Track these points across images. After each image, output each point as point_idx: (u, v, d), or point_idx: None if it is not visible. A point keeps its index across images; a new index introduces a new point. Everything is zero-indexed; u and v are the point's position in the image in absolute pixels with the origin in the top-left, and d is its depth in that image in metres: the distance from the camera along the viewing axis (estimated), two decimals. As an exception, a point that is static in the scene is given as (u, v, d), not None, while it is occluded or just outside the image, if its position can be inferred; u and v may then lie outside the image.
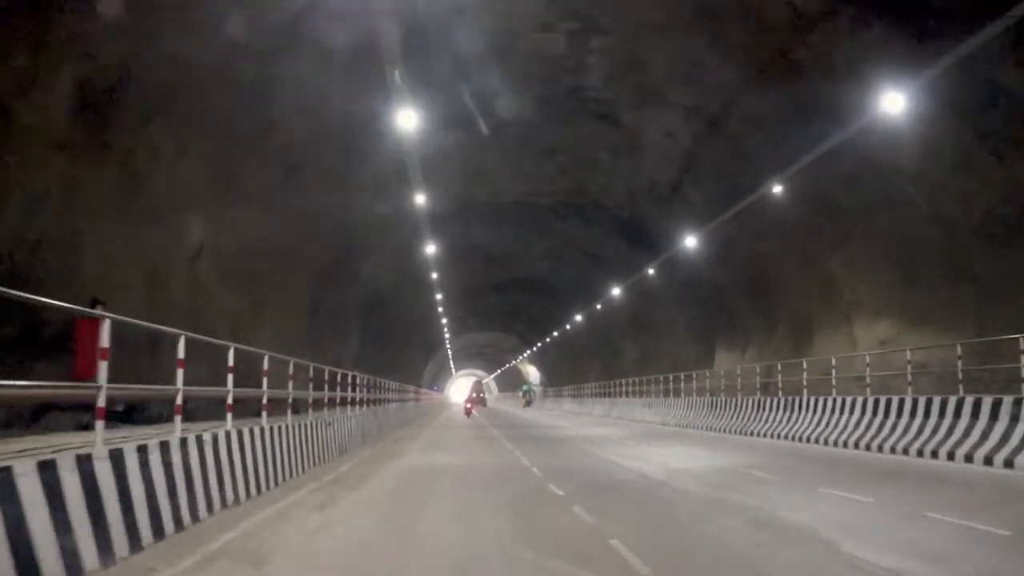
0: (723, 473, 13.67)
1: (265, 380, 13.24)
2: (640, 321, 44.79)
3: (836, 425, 18.92)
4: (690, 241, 27.54)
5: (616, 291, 41.22)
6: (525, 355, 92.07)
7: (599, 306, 46.10)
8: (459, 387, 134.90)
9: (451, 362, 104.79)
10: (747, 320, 30.70)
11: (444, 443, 24.16)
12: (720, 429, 26.54)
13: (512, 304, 63.20)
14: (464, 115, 22.74)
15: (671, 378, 35.15)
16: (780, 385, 23.73)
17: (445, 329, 61.33)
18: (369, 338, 39.11)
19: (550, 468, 14.36)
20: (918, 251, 18.65)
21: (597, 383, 54.03)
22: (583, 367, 63.68)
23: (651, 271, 34.92)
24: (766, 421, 23.43)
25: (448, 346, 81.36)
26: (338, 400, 20.72)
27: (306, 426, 14.40)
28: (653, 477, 13.12)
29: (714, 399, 28.80)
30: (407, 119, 17.38)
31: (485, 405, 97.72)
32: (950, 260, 17.65)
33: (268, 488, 11.63)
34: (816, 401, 20.45)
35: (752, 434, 23.69)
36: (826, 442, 18.90)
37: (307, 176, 20.29)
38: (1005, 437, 13.44)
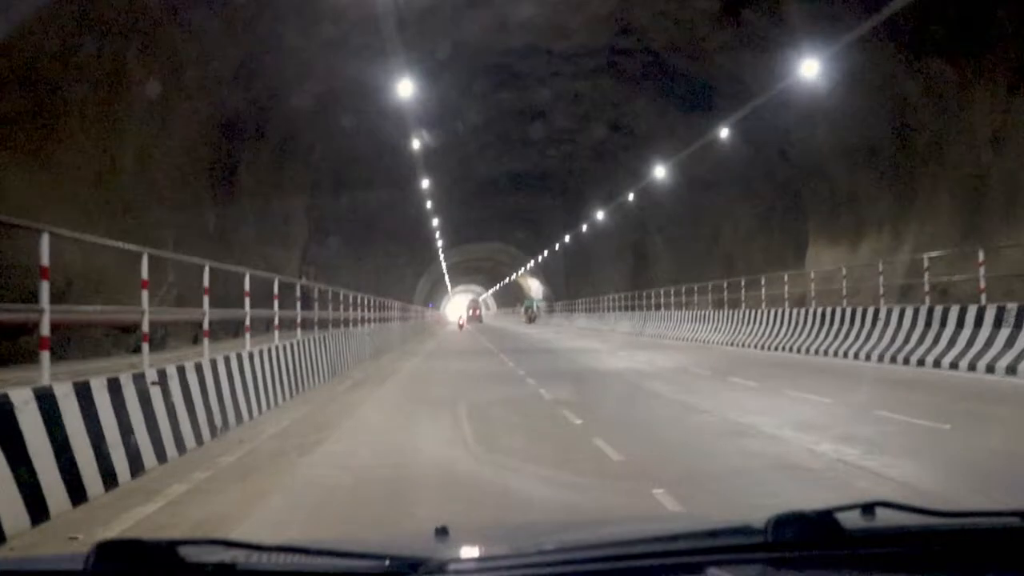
0: None
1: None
2: (681, 216, 35.43)
3: None
4: (805, 70, 17.81)
5: (659, 172, 31.56)
6: (528, 267, 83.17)
7: (631, 196, 36.44)
8: (455, 304, 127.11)
9: (447, 278, 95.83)
10: (865, 197, 21.38)
11: (431, 393, 15.06)
12: (862, 355, 17.38)
13: (515, 205, 53.71)
14: None
15: (742, 283, 25.99)
16: (983, 285, 14.48)
17: (438, 234, 51.92)
18: (336, 240, 29.87)
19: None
20: None
21: (619, 295, 44.98)
22: (600, 277, 54.65)
23: (720, 135, 25.31)
24: (981, 344, 14.26)
25: (443, 259, 72.14)
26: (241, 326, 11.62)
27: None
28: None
29: (832, 309, 19.59)
30: None
31: (481, 321, 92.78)
32: None
33: None
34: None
35: (967, 368, 14.61)
36: None
37: None
38: None
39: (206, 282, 9.44)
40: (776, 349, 21.60)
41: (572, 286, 65.11)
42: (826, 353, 18.78)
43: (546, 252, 65.28)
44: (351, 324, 20.53)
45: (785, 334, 21.70)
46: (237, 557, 1.31)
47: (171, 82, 13.42)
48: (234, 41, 15.74)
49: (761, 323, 23.65)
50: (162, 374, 7.45)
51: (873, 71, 17.84)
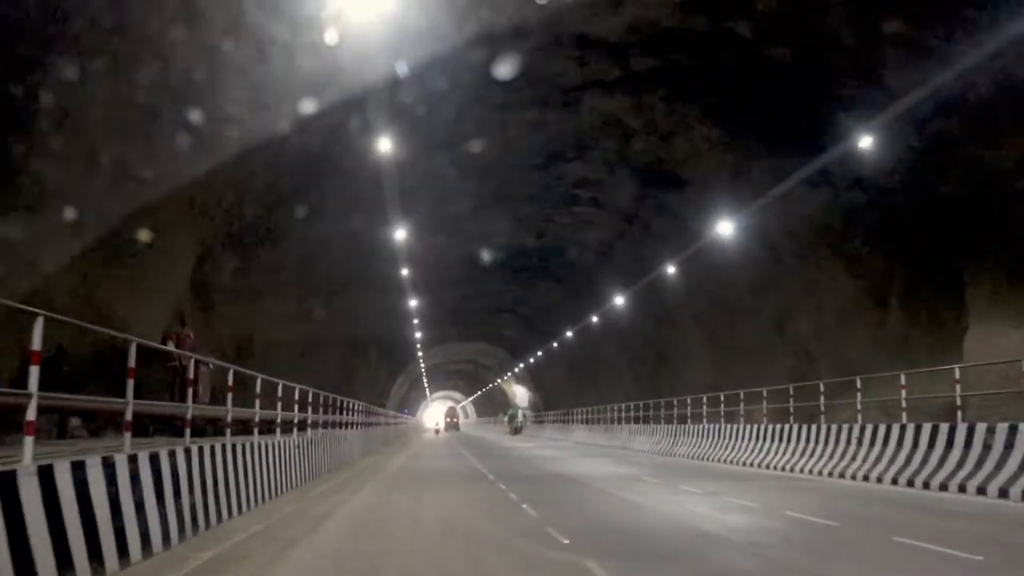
0: None
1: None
2: (727, 299, 27.46)
3: None
4: None
5: (707, 238, 23.58)
6: (514, 371, 74.63)
7: (669, 270, 28.19)
8: (433, 412, 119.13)
9: (424, 380, 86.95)
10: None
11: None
12: None
13: (506, 293, 45.72)
14: None
15: (856, 384, 17.75)
16: None
17: (415, 323, 43.50)
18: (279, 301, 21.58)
19: None
20: None
21: (632, 403, 36.49)
22: (605, 382, 46.26)
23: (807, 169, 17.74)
24: None
25: (420, 357, 63.67)
26: None
27: None
28: None
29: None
30: None
31: (458, 429, 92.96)
32: None
33: None
34: None
35: None
36: None
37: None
38: None
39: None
40: (952, 489, 13.29)
41: (569, 393, 56.56)
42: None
43: (540, 353, 56.86)
44: (257, 428, 12.09)
45: (965, 464, 13.41)
46: None
47: None
48: None
49: (903, 446, 15.35)
50: None
51: None
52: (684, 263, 26.89)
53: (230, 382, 10.38)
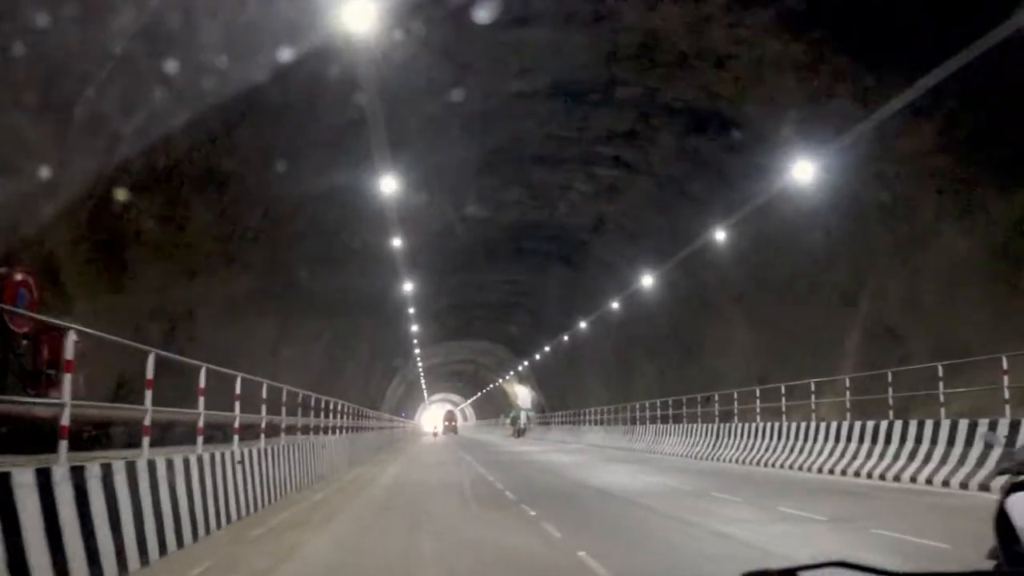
0: None
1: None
2: (780, 272, 22.90)
3: None
4: None
5: (787, 180, 18.98)
6: (517, 370, 70.17)
7: (718, 237, 23.31)
8: (431, 415, 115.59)
9: (422, 381, 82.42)
10: None
11: None
12: None
13: (512, 282, 41.33)
14: None
15: (1003, 364, 13.26)
16: None
17: (412, 316, 38.82)
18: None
19: None
20: None
21: (657, 401, 31.97)
22: (620, 379, 41.65)
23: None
24: None
25: (418, 355, 59.09)
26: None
27: None
28: None
29: None
30: None
31: (456, 432, 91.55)
32: None
33: None
34: None
35: None
36: None
37: None
38: None
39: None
40: None
41: (577, 392, 52.00)
42: None
43: (547, 348, 52.28)
44: (147, 437, 7.55)
45: None
46: None
47: None
48: None
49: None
50: None
51: None
52: (727, 231, 22.34)
53: (69, 355, 5.87)
